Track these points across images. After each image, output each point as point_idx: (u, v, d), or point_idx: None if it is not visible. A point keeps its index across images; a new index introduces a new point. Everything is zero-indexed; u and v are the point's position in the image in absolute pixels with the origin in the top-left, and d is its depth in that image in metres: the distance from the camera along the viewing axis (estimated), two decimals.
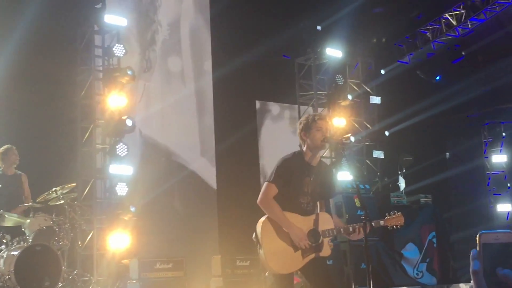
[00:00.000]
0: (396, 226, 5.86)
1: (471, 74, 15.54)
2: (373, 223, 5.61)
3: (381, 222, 5.81)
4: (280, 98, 14.40)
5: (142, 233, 11.02)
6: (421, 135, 15.51)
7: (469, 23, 14.35)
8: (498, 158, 16.53)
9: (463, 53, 15.44)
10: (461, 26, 14.47)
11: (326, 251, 5.66)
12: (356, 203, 6.69)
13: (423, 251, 12.42)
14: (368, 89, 14.46)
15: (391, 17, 14.61)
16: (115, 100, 10.68)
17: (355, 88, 14.27)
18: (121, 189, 10.51)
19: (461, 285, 12.15)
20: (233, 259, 10.90)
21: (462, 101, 15.43)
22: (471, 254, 1.29)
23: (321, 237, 5.61)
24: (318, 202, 5.87)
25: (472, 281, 1.29)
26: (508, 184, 16.36)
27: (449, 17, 14.48)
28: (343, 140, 12.59)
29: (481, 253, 1.29)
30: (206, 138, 13.15)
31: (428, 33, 14.90)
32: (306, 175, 5.67)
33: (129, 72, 10.69)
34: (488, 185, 16.65)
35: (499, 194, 16.31)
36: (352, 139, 13.65)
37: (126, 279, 9.82)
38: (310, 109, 13.96)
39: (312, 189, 5.68)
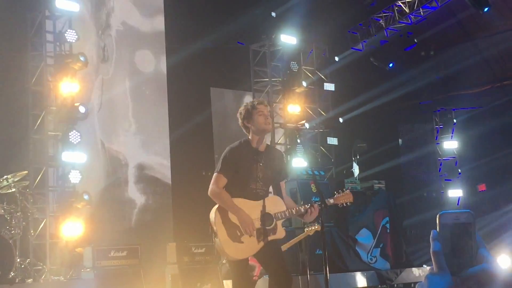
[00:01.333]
0: (346, 203, 6.00)
1: (423, 61, 15.74)
2: (322, 204, 5.75)
3: (331, 201, 5.92)
4: (235, 85, 14.36)
5: (96, 221, 10.90)
6: (375, 122, 15.66)
7: (421, 10, 14.50)
8: (449, 145, 16.80)
9: (415, 40, 15.60)
10: (413, 14, 14.61)
11: (280, 233, 5.76)
12: (313, 189, 6.75)
13: (376, 237, 12.57)
14: (322, 76, 14.52)
15: (345, 4, 14.68)
16: (67, 87, 10.51)
17: (309, 75, 14.31)
18: (74, 177, 10.37)
19: (414, 269, 12.33)
20: (188, 246, 10.86)
21: (414, 88, 15.64)
22: (431, 234, 1.28)
23: (274, 220, 5.69)
24: (270, 186, 5.94)
25: (432, 262, 1.28)
26: (459, 170, 16.65)
27: (401, 5, 14.61)
28: (298, 126, 12.68)
29: (441, 233, 1.28)
30: (160, 125, 13.05)
31: (381, 21, 15.02)
32: (255, 161, 5.76)
33: (81, 58, 10.52)
34: (439, 171, 16.92)
35: (450, 180, 16.59)
36: (307, 125, 13.71)
37: (80, 268, 9.70)
38: (265, 96, 13.95)
39: (263, 174, 5.77)
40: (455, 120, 16.78)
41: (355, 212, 12.79)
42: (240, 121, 5.91)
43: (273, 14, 13.76)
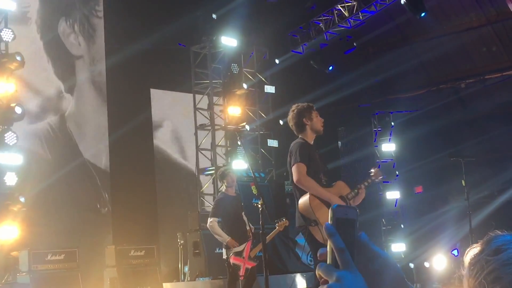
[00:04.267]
0: (383, 177, 6.65)
1: (363, 64, 15.94)
2: (365, 183, 6.41)
3: (372, 177, 6.50)
4: (175, 86, 14.29)
5: (32, 224, 10.69)
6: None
7: (360, 14, 14.67)
8: (387, 147, 17.03)
9: (354, 44, 15.79)
10: (353, 18, 14.77)
11: None
12: (253, 191, 6.83)
13: None
14: (262, 78, 14.57)
15: (286, 7, 14.75)
16: (3, 87, 10.26)
17: (250, 77, 14.34)
18: (10, 179, 10.12)
19: None
20: (127, 249, 10.77)
21: (353, 91, 15.81)
22: (327, 228, 1.21)
23: (348, 202, 6.26)
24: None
25: (329, 258, 1.23)
26: (397, 172, 16.90)
27: (341, 9, 14.77)
28: (239, 128, 12.69)
29: (336, 228, 1.24)
30: (100, 126, 12.89)
31: (321, 24, 15.15)
32: (315, 155, 6.28)
33: (18, 58, 10.29)
34: None
35: (388, 182, 16.82)
36: (247, 127, 13.73)
37: (15, 272, 9.50)
38: (205, 98, 13.92)
39: (322, 166, 6.34)
40: (392, 123, 17.03)
41: (295, 214, 12.86)
42: (294, 117, 6.46)
43: (214, 16, 13.73)
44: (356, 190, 6.37)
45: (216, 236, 8.48)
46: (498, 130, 16.10)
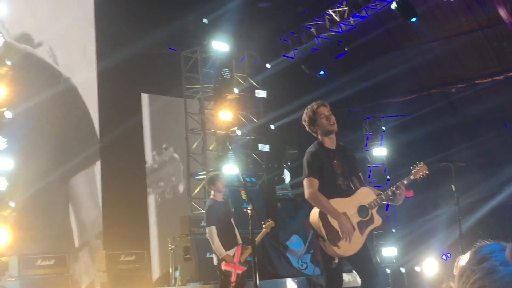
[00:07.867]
0: (423, 175, 6.10)
1: (353, 69, 15.97)
2: (405, 181, 5.91)
3: (411, 177, 6.04)
4: (166, 91, 14.28)
5: (23, 229, 10.65)
6: (306, 129, 15.77)
7: (351, 19, 14.71)
8: (378, 152, 17.07)
9: (345, 49, 15.82)
10: (344, 23, 14.81)
11: (377, 220, 6.01)
12: (243, 196, 6.79)
13: (307, 243, 12.67)
14: (254, 83, 14.58)
15: (277, 12, 14.78)
16: None
17: (241, 81, 14.34)
18: (0, 184, 10.09)
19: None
20: (118, 254, 10.74)
21: (344, 95, 15.83)
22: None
23: (370, 210, 5.90)
24: (351, 180, 6.04)
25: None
26: (388, 177, 16.93)
27: (332, 14, 14.80)
28: (229, 133, 12.69)
29: None
30: (90, 131, 12.86)
31: (312, 29, 15.17)
32: (331, 159, 5.93)
33: (8, 63, 10.27)
34: (369, 177, 17.18)
35: (380, 186, 16.85)
36: (238, 132, 13.73)
37: (5, 277, 9.46)
38: (196, 102, 13.92)
39: (341, 170, 5.95)
40: (384, 128, 17.07)
41: (286, 219, 12.88)
42: (306, 127, 6.06)
43: (205, 20, 13.74)
44: (389, 192, 5.87)
45: (213, 247, 8.34)
46: (489, 135, 16.17)
